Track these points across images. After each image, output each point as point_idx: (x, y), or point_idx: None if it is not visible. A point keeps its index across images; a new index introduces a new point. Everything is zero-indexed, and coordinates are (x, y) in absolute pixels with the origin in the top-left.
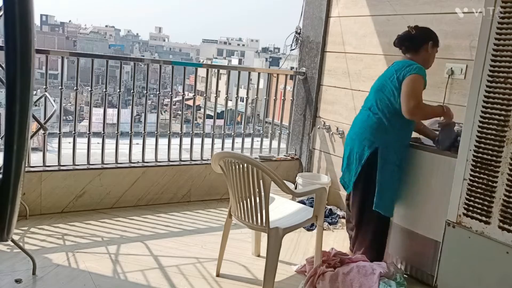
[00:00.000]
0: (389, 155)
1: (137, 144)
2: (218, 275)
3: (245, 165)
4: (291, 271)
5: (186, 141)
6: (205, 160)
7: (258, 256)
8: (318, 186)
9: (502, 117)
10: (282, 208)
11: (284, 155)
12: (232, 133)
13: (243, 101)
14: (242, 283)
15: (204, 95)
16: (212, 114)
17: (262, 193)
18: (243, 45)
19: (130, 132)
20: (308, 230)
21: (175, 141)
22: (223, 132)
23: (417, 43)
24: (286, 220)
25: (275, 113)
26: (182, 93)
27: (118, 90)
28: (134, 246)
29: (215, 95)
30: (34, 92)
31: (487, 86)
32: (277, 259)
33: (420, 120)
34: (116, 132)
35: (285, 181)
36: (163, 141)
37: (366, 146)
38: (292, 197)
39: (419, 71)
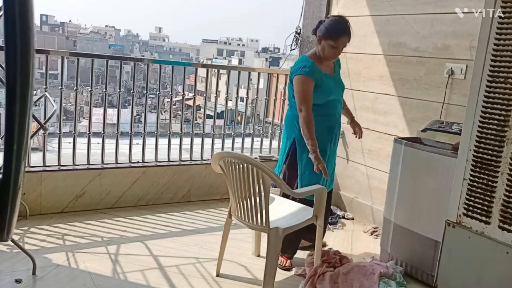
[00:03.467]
0: (304, 143)
1: (137, 144)
2: (218, 275)
3: (245, 165)
4: (291, 271)
5: (186, 141)
6: (205, 160)
7: (258, 256)
8: (318, 186)
9: (502, 117)
10: (282, 208)
11: None
12: (232, 133)
13: (243, 101)
14: (242, 283)
15: (204, 95)
16: (212, 114)
17: (262, 193)
18: (243, 45)
19: (130, 132)
20: None
21: (175, 141)
22: (223, 132)
23: (314, 32)
24: (286, 220)
25: (275, 113)
26: (182, 93)
27: (118, 90)
28: (134, 246)
29: (215, 95)
30: (34, 92)
31: (487, 86)
32: (277, 259)
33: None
34: (116, 132)
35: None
36: (163, 141)
37: (286, 138)
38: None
39: (301, 71)
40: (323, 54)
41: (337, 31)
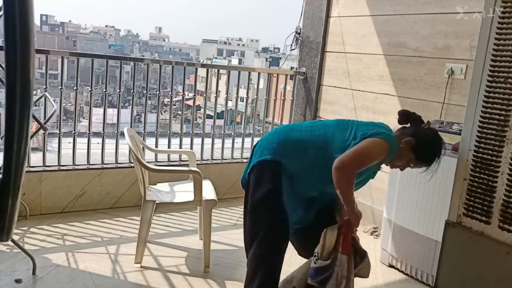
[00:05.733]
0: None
1: None
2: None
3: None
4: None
5: (186, 141)
6: (205, 160)
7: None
8: (192, 168)
9: (502, 117)
10: (181, 188)
11: None
12: (232, 133)
13: (243, 101)
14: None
15: (204, 95)
16: (212, 114)
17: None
18: (243, 45)
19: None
20: None
21: (175, 141)
22: (223, 132)
23: (410, 130)
24: (167, 197)
25: (275, 113)
26: (182, 93)
27: (118, 90)
28: (134, 246)
29: (215, 95)
30: (34, 92)
31: (487, 86)
32: (145, 227)
33: (336, 184)
34: (116, 132)
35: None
36: (163, 141)
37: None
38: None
39: (388, 138)
40: (397, 158)
41: (428, 159)
